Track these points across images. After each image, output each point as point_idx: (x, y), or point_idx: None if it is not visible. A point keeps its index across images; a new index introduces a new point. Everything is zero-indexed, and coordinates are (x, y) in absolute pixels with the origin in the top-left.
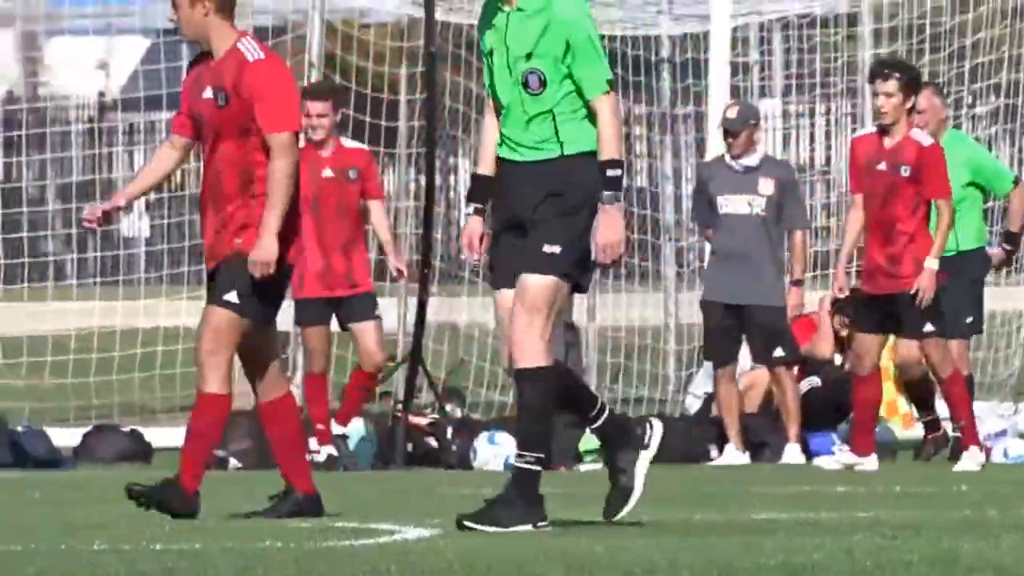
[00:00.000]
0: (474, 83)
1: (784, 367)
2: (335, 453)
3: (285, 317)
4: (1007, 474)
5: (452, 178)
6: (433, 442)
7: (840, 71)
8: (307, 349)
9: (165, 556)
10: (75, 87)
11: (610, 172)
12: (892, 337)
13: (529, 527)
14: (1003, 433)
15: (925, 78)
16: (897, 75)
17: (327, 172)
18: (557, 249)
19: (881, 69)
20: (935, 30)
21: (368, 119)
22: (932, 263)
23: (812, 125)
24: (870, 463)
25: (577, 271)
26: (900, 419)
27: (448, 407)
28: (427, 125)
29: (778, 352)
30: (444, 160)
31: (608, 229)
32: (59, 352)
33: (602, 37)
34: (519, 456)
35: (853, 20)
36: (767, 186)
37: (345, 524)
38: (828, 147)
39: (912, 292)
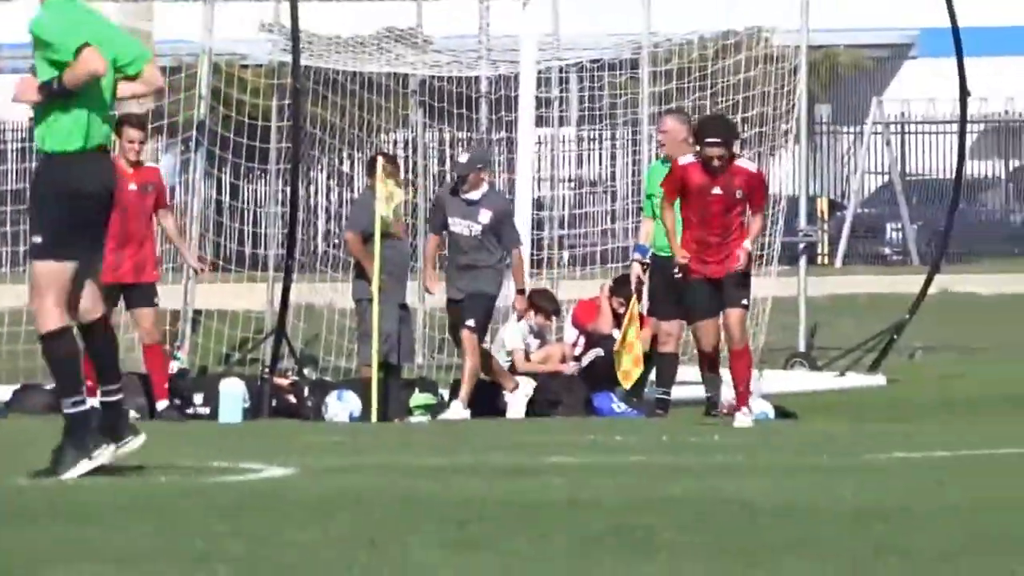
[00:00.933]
0: (329, 114)
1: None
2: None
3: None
4: (752, 428)
5: (312, 188)
6: (293, 399)
7: (624, 105)
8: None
9: (75, 490)
10: (10, 115)
11: (54, 82)
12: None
13: (87, 461)
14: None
15: (693, 113)
16: (719, 140)
17: (132, 186)
18: (38, 239)
19: (705, 135)
20: (703, 72)
21: (245, 141)
22: (748, 245)
23: (601, 149)
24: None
25: (61, 250)
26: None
27: (305, 371)
28: (292, 147)
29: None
30: (305, 174)
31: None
32: None
33: (432, 77)
34: (62, 405)
35: (635, 64)
36: (485, 215)
37: (220, 464)
38: (613, 166)
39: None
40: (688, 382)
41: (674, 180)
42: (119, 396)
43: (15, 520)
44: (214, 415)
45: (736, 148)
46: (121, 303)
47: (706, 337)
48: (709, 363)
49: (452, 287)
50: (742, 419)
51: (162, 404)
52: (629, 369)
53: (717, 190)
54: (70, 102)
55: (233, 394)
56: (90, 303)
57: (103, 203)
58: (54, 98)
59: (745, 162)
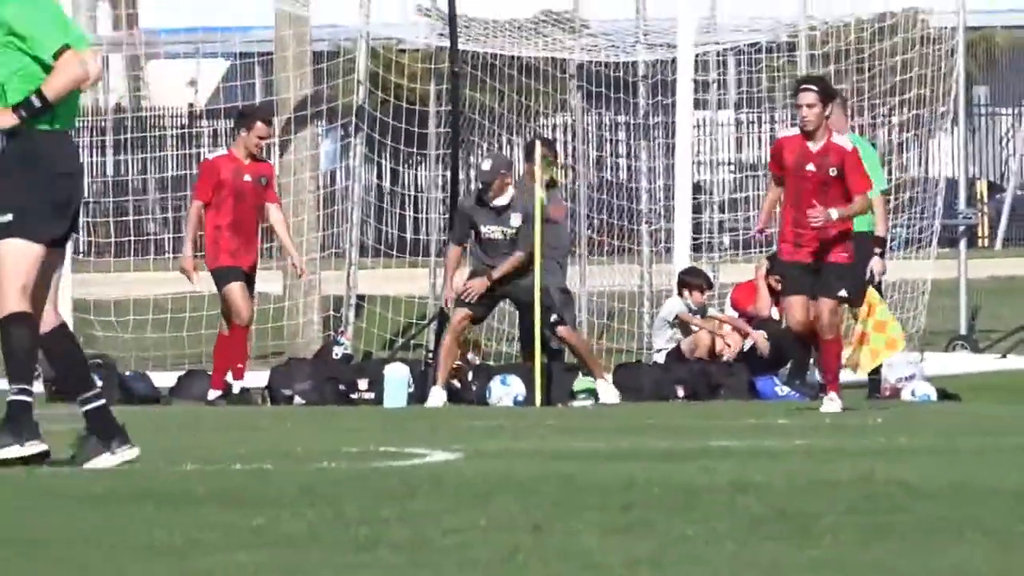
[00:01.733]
0: (487, 98)
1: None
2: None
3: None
4: (914, 409)
5: (471, 173)
6: (457, 384)
7: (782, 88)
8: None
9: (240, 475)
10: (169, 100)
11: (33, 97)
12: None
13: (18, 447)
14: (911, 377)
15: (852, 95)
16: (815, 88)
17: (247, 177)
18: (8, 217)
19: (800, 84)
20: (859, 55)
21: (404, 126)
22: (835, 212)
23: (760, 132)
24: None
25: (30, 229)
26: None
27: (469, 356)
28: (452, 132)
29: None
30: (464, 159)
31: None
32: (158, 312)
33: (590, 62)
34: (10, 390)
35: (792, 47)
36: (516, 219)
37: (386, 449)
38: None
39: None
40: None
41: (774, 154)
42: (102, 400)
43: (178, 504)
44: (378, 400)
45: (831, 110)
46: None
47: (791, 314)
48: (800, 340)
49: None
50: (829, 404)
51: (214, 393)
52: (866, 361)
53: (811, 167)
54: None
55: (398, 379)
56: (51, 313)
57: (77, 186)
58: (37, 116)
59: (841, 139)
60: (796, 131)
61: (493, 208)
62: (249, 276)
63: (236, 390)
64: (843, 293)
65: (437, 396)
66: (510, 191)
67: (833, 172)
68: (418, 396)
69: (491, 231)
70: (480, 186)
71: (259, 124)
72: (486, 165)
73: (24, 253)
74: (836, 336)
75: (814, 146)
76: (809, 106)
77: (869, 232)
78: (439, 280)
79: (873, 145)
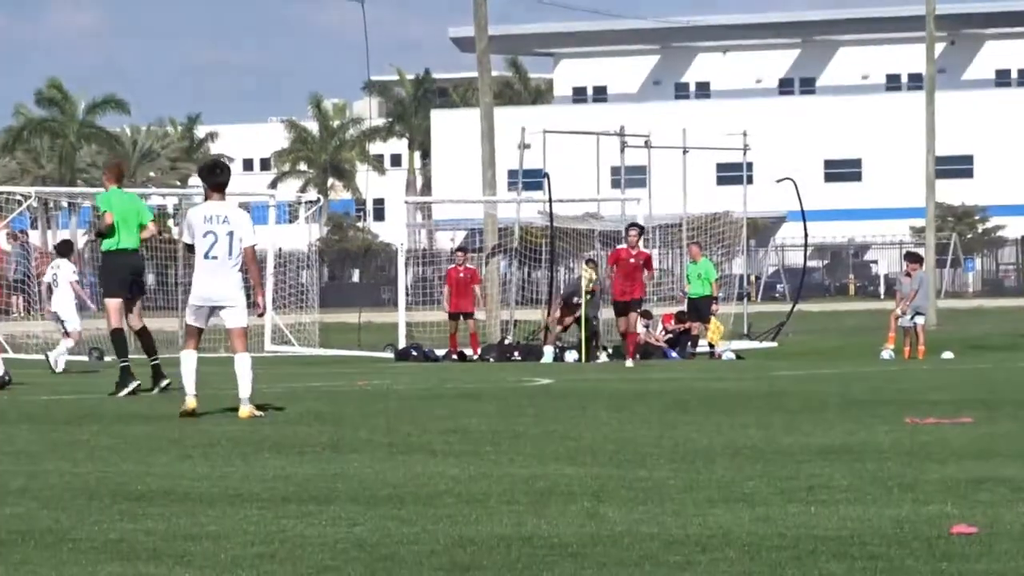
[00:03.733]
0: (565, 243)
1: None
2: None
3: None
4: (726, 364)
5: (558, 273)
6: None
7: (675, 244)
8: None
9: (469, 388)
10: (442, 247)
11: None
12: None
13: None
14: (726, 350)
15: (703, 245)
16: (638, 226)
17: (462, 273)
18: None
19: (628, 226)
20: (705, 227)
21: (534, 255)
22: None
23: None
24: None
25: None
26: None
27: (557, 342)
28: (551, 257)
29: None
30: (555, 268)
31: None
32: (441, 330)
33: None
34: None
35: (679, 227)
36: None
37: (524, 378)
38: None
39: None
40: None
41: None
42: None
43: (443, 401)
44: (524, 360)
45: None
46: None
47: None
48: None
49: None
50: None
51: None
52: (713, 336)
53: (632, 260)
54: (109, 232)
55: (548, 352)
56: (135, 320)
57: (134, 271)
58: (103, 234)
59: (643, 249)
60: (623, 245)
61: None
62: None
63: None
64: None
65: (548, 354)
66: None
67: (639, 262)
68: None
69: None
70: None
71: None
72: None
73: (111, 303)
74: (636, 333)
75: (632, 252)
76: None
77: (711, 295)
78: (546, 314)
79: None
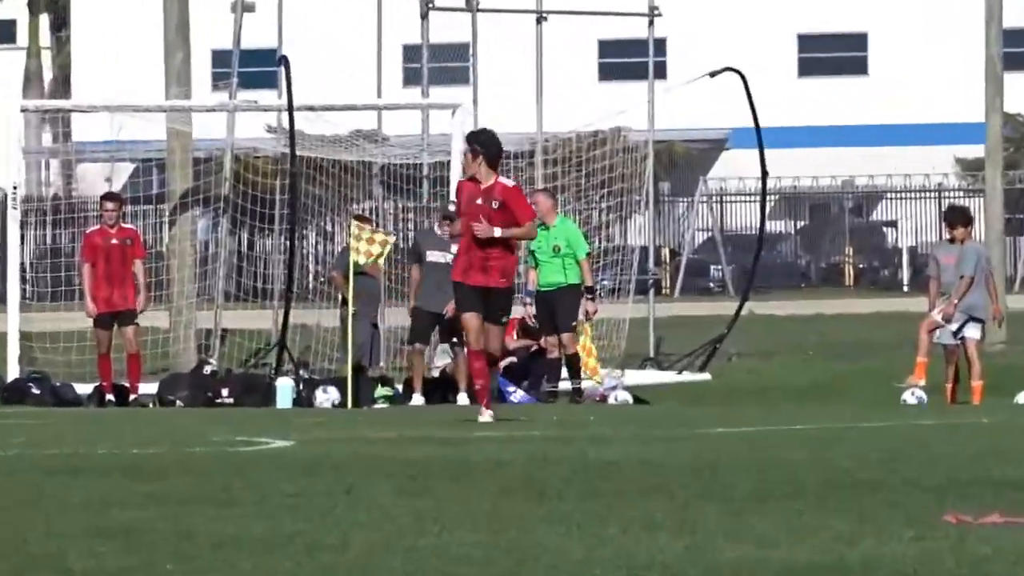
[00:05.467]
0: (317, 189)
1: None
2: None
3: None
4: (617, 410)
5: (304, 242)
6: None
7: (525, 183)
8: None
9: (139, 456)
10: (92, 191)
11: None
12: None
13: None
14: (615, 387)
15: (570, 188)
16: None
17: (114, 240)
18: None
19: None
20: (579, 160)
21: (258, 209)
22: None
23: None
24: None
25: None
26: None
27: (301, 371)
28: (291, 213)
29: (455, 339)
30: (300, 233)
31: None
32: (81, 340)
33: (389, 163)
34: None
35: (531, 153)
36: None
37: (241, 438)
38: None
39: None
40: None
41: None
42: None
43: (93, 475)
44: (236, 404)
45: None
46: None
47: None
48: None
49: (427, 300)
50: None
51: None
52: (596, 366)
53: (480, 201)
54: None
55: (285, 387)
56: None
57: None
58: None
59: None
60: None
61: (441, 236)
62: (128, 312)
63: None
64: (505, 319)
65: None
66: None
67: (495, 205)
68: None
69: (435, 255)
70: (440, 219)
71: (104, 202)
72: (452, 207)
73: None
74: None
75: (483, 186)
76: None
77: (579, 284)
78: (280, 317)
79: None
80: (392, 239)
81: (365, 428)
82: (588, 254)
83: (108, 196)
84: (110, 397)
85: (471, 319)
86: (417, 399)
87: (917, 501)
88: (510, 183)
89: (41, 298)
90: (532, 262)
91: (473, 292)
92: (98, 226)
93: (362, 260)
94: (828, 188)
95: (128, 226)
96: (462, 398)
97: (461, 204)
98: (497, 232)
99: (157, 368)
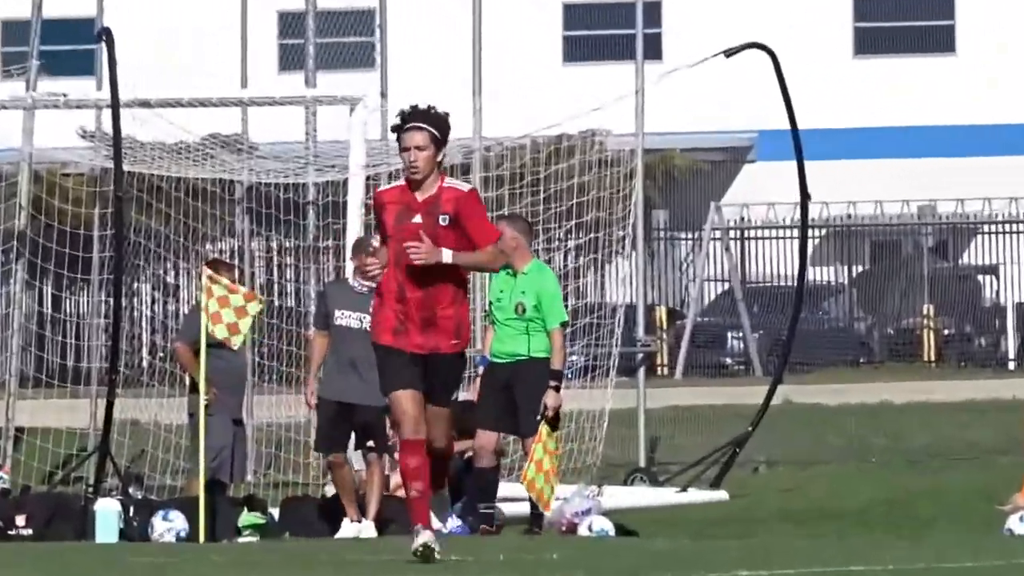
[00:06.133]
0: (154, 221)
1: (374, 454)
2: None
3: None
4: (592, 545)
5: (136, 300)
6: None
7: None
8: None
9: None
10: None
11: None
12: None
13: None
14: (588, 511)
15: (525, 217)
16: (425, 126)
17: None
18: None
19: (404, 119)
20: (535, 177)
21: (68, 251)
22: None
23: None
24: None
25: None
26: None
27: (130, 489)
28: (115, 256)
29: (370, 443)
30: (129, 285)
31: None
32: None
33: (259, 184)
34: None
35: (466, 168)
36: None
37: None
38: None
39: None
40: (508, 498)
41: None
42: None
43: None
44: (37, 537)
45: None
46: None
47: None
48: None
49: (330, 385)
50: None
51: None
52: (542, 486)
53: (417, 218)
54: None
55: (108, 513)
56: None
57: None
58: None
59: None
60: (399, 183)
61: (357, 291)
62: None
63: None
64: (455, 397)
65: (349, 526)
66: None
67: (444, 221)
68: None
69: (344, 316)
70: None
71: None
72: (375, 241)
73: None
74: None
75: (421, 195)
76: (419, 148)
77: (540, 359)
78: (100, 410)
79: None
80: (261, 304)
81: (224, 572)
82: (564, 323)
83: None
84: None
85: (404, 400)
86: (348, 527)
87: None
88: (464, 187)
89: None
90: (491, 321)
91: (407, 360)
92: None
93: (221, 333)
94: (898, 218)
95: None
96: (348, 527)
97: (387, 224)
98: (447, 256)
99: None
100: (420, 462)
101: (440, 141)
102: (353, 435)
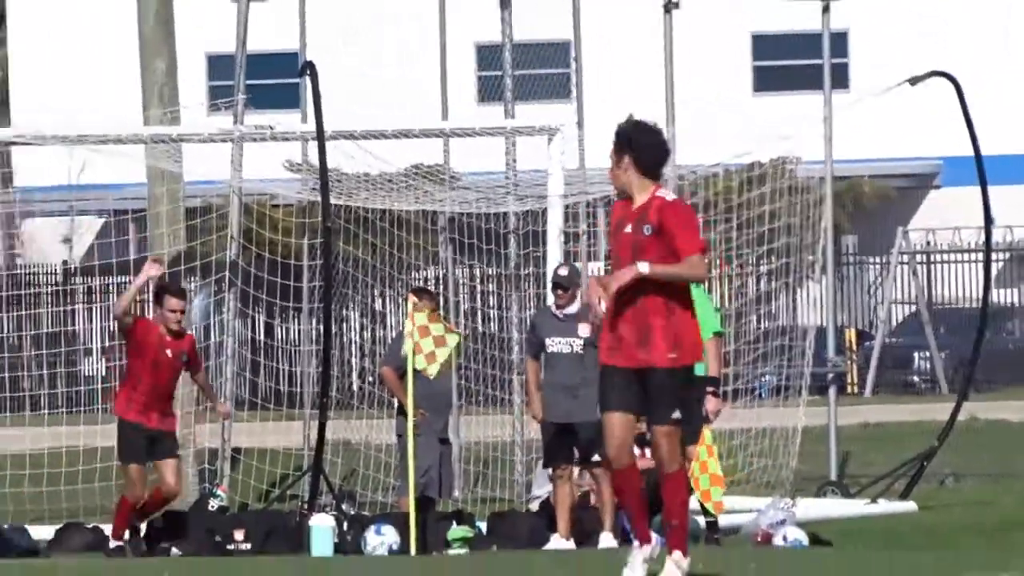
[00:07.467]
0: (360, 251)
1: (600, 468)
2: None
3: None
4: (787, 555)
5: (344, 326)
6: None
7: None
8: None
9: None
10: (44, 257)
11: None
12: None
13: None
14: (783, 522)
15: (720, 244)
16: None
17: (168, 352)
18: None
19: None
20: (727, 204)
21: (279, 280)
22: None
23: None
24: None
25: None
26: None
27: (343, 506)
28: (324, 285)
29: (596, 457)
30: (338, 313)
31: None
32: (35, 467)
33: (461, 214)
34: None
35: None
36: (584, 329)
37: None
38: None
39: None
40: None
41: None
42: None
43: None
44: (255, 550)
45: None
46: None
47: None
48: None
49: (552, 408)
50: (671, 570)
51: (114, 543)
52: (708, 488)
53: (628, 228)
54: None
55: (323, 529)
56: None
57: None
58: None
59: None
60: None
61: (561, 318)
62: (153, 435)
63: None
64: (676, 415)
65: (558, 541)
66: (578, 302)
67: (648, 231)
68: (292, 547)
69: (556, 343)
70: (555, 291)
71: (168, 299)
72: (563, 271)
73: None
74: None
75: (634, 206)
76: (611, 161)
77: (702, 375)
78: (312, 432)
79: (708, 292)
80: (459, 337)
81: None
82: (719, 333)
83: (171, 289)
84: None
85: (610, 421)
86: (556, 541)
87: None
88: (670, 196)
89: None
90: None
91: (621, 378)
92: (152, 318)
93: (419, 364)
94: None
95: (190, 333)
96: (556, 541)
97: (610, 236)
98: (643, 268)
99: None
100: (624, 484)
101: (625, 151)
102: (576, 452)
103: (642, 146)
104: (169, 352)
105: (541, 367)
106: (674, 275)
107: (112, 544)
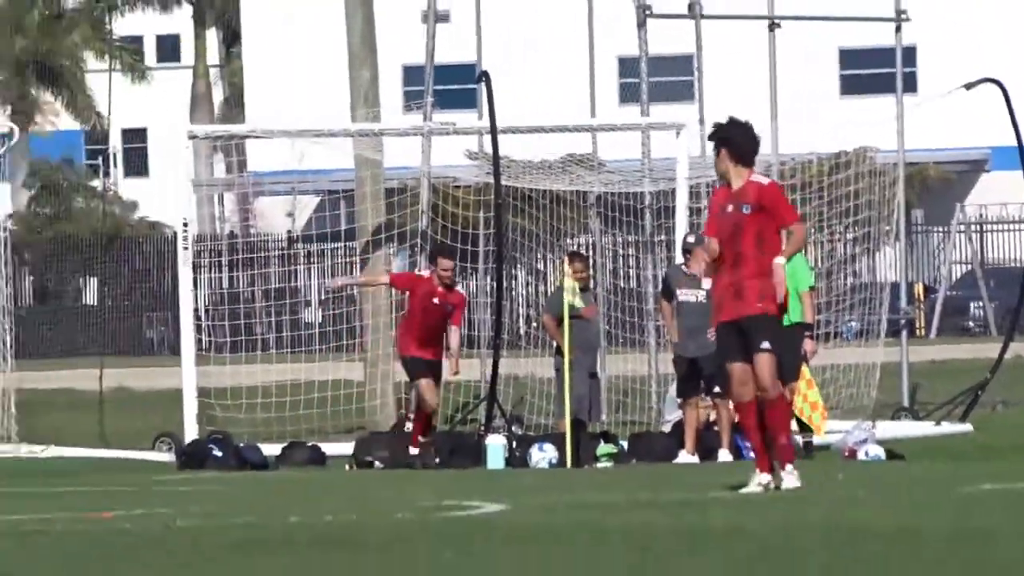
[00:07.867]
0: (526, 222)
1: (720, 398)
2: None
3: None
4: (868, 467)
5: (513, 283)
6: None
7: None
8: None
9: (332, 525)
10: (271, 228)
11: None
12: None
13: None
14: (865, 441)
15: (813, 217)
16: (716, 137)
17: (436, 300)
18: None
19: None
20: (820, 185)
21: (460, 245)
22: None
23: None
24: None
25: None
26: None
27: (513, 427)
28: (497, 250)
29: (716, 388)
30: (508, 272)
31: None
32: (265, 396)
33: (606, 193)
34: None
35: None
36: (707, 283)
37: (449, 502)
38: None
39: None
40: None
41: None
42: None
43: (282, 549)
44: (443, 465)
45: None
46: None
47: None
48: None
49: (683, 346)
50: (788, 479)
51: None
52: (810, 414)
53: (730, 207)
54: None
55: (497, 447)
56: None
57: None
58: None
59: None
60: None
61: (688, 274)
62: (432, 364)
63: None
64: (766, 345)
65: (686, 456)
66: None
67: (747, 209)
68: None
69: (685, 294)
70: (684, 253)
71: (441, 259)
72: (691, 238)
73: None
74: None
75: (733, 190)
76: (715, 154)
77: (799, 322)
78: (488, 368)
79: (805, 254)
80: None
81: (587, 491)
82: (813, 288)
83: (444, 252)
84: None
85: (731, 368)
86: (684, 456)
87: None
88: (765, 180)
89: (218, 349)
90: None
91: (728, 332)
92: (429, 275)
93: (572, 301)
94: None
95: (460, 291)
96: (684, 456)
97: (712, 216)
98: (780, 261)
99: (352, 426)
100: (744, 418)
101: (722, 144)
102: (703, 383)
103: (735, 139)
104: (436, 300)
105: (672, 310)
106: (794, 249)
107: (412, 452)
